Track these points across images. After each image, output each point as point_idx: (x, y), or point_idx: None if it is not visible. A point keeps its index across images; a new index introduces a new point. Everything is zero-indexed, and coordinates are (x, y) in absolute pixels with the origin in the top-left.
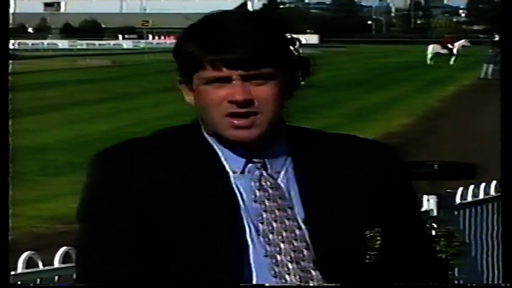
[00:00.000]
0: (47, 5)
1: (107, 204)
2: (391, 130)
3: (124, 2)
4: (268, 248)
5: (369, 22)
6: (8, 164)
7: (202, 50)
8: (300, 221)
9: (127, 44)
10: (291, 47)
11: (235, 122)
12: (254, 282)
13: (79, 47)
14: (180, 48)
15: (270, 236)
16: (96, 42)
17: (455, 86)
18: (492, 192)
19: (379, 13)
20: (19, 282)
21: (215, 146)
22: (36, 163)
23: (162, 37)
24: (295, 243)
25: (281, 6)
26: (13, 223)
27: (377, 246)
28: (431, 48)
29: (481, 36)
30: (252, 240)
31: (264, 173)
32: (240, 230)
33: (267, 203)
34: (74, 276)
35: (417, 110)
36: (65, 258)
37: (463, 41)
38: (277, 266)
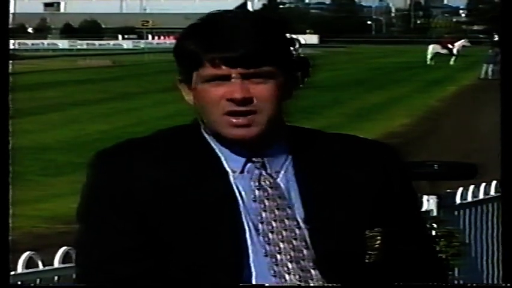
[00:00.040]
0: (47, 5)
1: (107, 204)
2: (391, 130)
3: (124, 2)
4: (267, 247)
5: (369, 22)
6: (8, 164)
7: (202, 47)
8: (299, 220)
9: (127, 44)
10: (291, 47)
11: (234, 120)
12: (254, 281)
13: (79, 47)
14: (181, 46)
15: (270, 236)
16: (96, 42)
17: (455, 86)
18: (492, 192)
19: (379, 13)
20: (19, 282)
21: (214, 146)
22: (36, 163)
23: (162, 37)
24: (295, 243)
25: (281, 6)
26: (13, 223)
27: (377, 246)
28: (431, 48)
29: (481, 36)
30: (252, 240)
31: (264, 173)
32: (239, 229)
33: (266, 202)
34: (74, 276)
35: (417, 110)
36: (65, 258)
37: (463, 41)
38: (277, 265)
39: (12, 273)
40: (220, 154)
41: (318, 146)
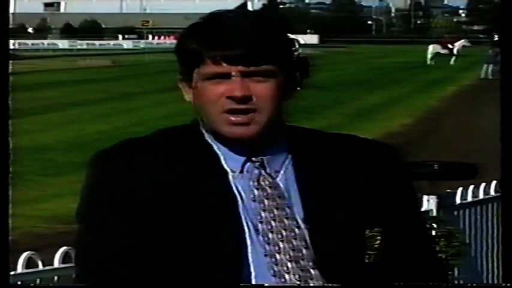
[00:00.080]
0: (47, 5)
1: (106, 204)
2: (391, 130)
3: (124, 2)
4: (267, 247)
5: (369, 22)
6: (8, 164)
7: (203, 45)
8: (299, 220)
9: (127, 44)
10: (291, 48)
11: (233, 118)
12: (253, 281)
13: (79, 47)
14: (182, 45)
15: (269, 235)
16: (96, 42)
17: (455, 86)
18: (492, 192)
19: (379, 13)
20: (19, 282)
21: (214, 146)
22: (36, 163)
23: (162, 37)
24: (295, 242)
25: (281, 6)
26: (13, 223)
27: (377, 246)
28: (431, 48)
29: (481, 36)
30: (251, 240)
31: (263, 172)
32: (239, 229)
33: (265, 202)
34: (74, 276)
35: (417, 110)
36: (65, 258)
37: (463, 41)
38: (277, 265)
39: (12, 273)
40: (219, 154)
41: (317, 146)
